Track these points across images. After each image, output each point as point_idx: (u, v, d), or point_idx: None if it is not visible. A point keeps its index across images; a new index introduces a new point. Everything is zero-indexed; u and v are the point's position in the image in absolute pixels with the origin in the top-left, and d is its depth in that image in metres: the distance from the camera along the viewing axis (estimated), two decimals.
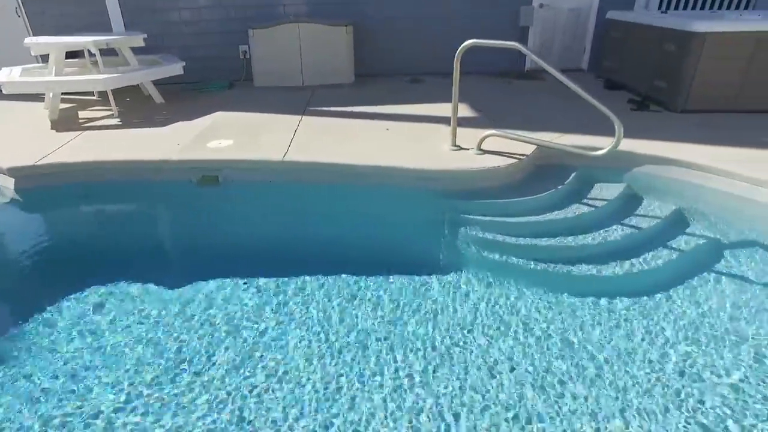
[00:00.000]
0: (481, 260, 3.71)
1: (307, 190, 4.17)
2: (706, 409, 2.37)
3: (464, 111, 5.30)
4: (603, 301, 3.22)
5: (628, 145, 4.22)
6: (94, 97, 6.23)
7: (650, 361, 2.67)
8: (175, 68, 5.74)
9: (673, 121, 4.99)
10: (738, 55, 4.91)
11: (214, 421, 2.26)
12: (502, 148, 4.10)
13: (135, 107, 5.89)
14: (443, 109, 5.39)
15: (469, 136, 4.28)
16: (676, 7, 7.13)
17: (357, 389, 2.46)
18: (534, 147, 4.16)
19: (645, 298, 3.27)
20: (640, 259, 3.56)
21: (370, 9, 6.82)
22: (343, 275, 3.31)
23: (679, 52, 5.07)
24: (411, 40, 7.02)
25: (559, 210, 3.92)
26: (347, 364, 2.62)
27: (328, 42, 6.32)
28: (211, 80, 6.79)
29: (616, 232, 3.69)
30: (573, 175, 4.17)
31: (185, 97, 6.26)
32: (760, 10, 6.60)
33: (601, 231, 3.80)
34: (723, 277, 3.37)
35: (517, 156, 4.02)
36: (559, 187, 4.01)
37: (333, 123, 5.06)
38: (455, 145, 4.14)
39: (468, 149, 4.11)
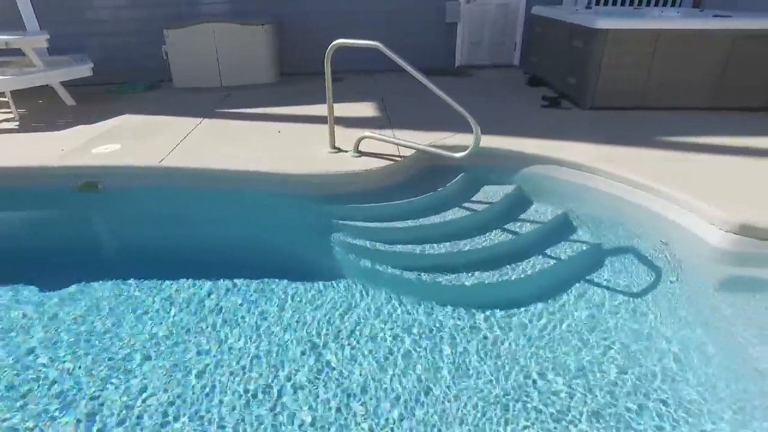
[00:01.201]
0: (348, 267, 3.65)
1: (183, 195, 4.08)
2: None
3: (368, 111, 5.21)
4: (471, 311, 3.16)
5: (520, 144, 4.15)
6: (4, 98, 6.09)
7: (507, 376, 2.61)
8: (82, 70, 5.62)
9: (577, 119, 4.91)
10: (641, 52, 4.84)
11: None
12: (383, 150, 4.01)
13: (44, 110, 5.77)
14: (348, 108, 5.32)
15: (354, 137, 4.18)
16: (606, 3, 7.04)
17: (213, 396, 2.45)
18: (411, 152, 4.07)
19: (517, 309, 3.20)
20: (518, 266, 3.48)
21: (294, 7, 6.71)
22: (211, 281, 3.35)
23: (585, 48, 4.99)
24: (334, 37, 6.87)
25: (437, 214, 3.84)
26: (209, 369, 2.60)
27: (246, 42, 6.21)
28: (132, 82, 6.66)
29: (494, 237, 3.61)
30: (459, 176, 4.09)
31: (101, 100, 6.15)
32: (683, 8, 6.52)
33: (480, 236, 3.73)
34: (595, 287, 3.30)
35: (395, 158, 3.93)
36: (440, 189, 3.93)
37: (232, 125, 4.97)
38: (334, 148, 4.06)
39: (347, 152, 4.02)
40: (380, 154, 3.97)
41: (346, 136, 4.20)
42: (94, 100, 6.07)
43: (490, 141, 4.24)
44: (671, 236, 3.26)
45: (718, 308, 2.84)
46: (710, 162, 3.77)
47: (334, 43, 3.67)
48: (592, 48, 4.85)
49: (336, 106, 5.34)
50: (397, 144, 3.80)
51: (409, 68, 3.34)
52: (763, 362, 2.48)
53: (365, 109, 5.21)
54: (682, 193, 3.21)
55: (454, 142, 4.18)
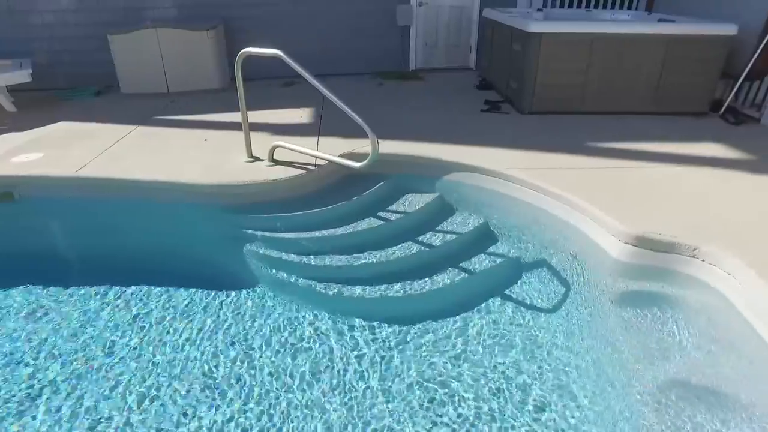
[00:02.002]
0: (257, 277, 3.59)
1: (98, 205, 3.99)
2: None
3: (303, 117, 5.13)
4: (382, 324, 3.13)
5: (446, 150, 4.06)
6: None
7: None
8: (20, 75, 5.53)
9: (513, 124, 4.82)
10: (577, 57, 4.75)
11: None
12: (300, 158, 3.91)
13: None
14: (282, 115, 5.23)
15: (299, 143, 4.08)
16: (563, 5, 6.95)
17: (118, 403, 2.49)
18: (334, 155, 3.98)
19: (424, 322, 3.17)
20: (431, 279, 3.43)
21: (245, 11, 6.62)
22: (122, 290, 3.39)
23: (522, 52, 4.91)
24: (289, 42, 6.80)
25: (353, 223, 3.76)
26: (119, 375, 2.65)
27: (191, 47, 6.12)
28: (82, 87, 6.58)
29: (410, 248, 3.55)
30: (380, 185, 4.00)
31: (44, 106, 6.05)
32: (634, 11, 6.43)
33: (395, 246, 3.66)
34: (505, 300, 3.29)
35: (309, 166, 3.84)
36: (354, 198, 3.84)
37: (163, 133, 4.89)
38: (251, 157, 3.97)
39: (263, 160, 3.93)
40: (296, 162, 3.88)
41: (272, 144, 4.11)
42: (38, 106, 5.98)
43: (415, 147, 4.17)
44: (581, 248, 3.17)
45: (613, 323, 2.75)
46: (631, 170, 3.68)
47: (242, 51, 3.60)
48: (528, 52, 4.76)
49: (271, 112, 5.32)
50: (305, 153, 3.71)
51: (308, 76, 3.28)
52: (643, 378, 2.40)
53: (300, 116, 5.13)
54: (590, 204, 3.12)
55: (382, 148, 4.07)
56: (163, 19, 6.50)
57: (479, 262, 3.52)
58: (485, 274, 3.48)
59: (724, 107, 4.99)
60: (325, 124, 4.86)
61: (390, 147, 4.18)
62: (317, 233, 3.57)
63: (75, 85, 6.60)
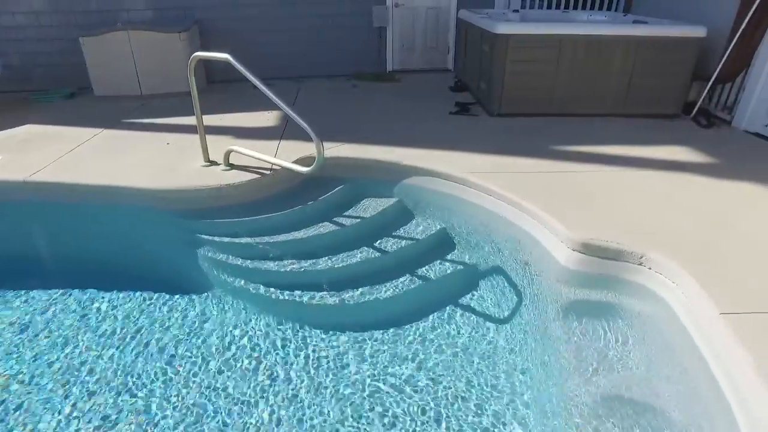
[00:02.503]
0: (210, 282, 3.55)
1: (53, 210, 3.94)
2: None
3: (271, 120, 5.06)
4: (334, 332, 3.08)
5: (407, 154, 4.00)
6: None
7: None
8: None
9: (479, 126, 4.76)
10: (545, 59, 4.68)
11: None
12: (256, 162, 3.84)
13: None
14: (249, 118, 5.17)
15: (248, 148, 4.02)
16: (541, 6, 6.88)
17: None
18: (290, 161, 3.93)
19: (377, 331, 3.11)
20: (384, 285, 3.37)
21: (220, 13, 6.57)
22: (74, 295, 3.35)
23: (491, 54, 4.84)
24: (265, 44, 6.77)
25: (309, 227, 3.70)
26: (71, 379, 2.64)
27: (164, 50, 6.07)
28: (56, 89, 6.53)
29: (365, 253, 3.49)
30: (338, 189, 3.94)
31: (16, 107, 6.00)
32: (611, 12, 6.37)
33: (351, 251, 3.60)
34: (457, 308, 3.23)
35: (264, 171, 3.78)
36: (309, 203, 3.78)
37: (128, 136, 4.83)
38: (208, 161, 3.91)
39: (220, 165, 3.87)
40: (252, 167, 3.82)
41: (253, 146, 4.05)
42: (9, 108, 5.93)
43: (375, 151, 4.11)
44: (533, 255, 3.11)
45: (559, 333, 2.68)
46: (591, 174, 3.62)
47: (193, 56, 3.55)
48: (496, 53, 4.70)
49: (240, 115, 5.25)
50: (256, 158, 3.65)
51: (255, 80, 3.25)
52: (581, 391, 2.34)
53: (267, 118, 5.07)
54: (541, 209, 3.06)
55: (335, 154, 4.03)
56: (137, 21, 6.45)
57: (436, 269, 3.47)
58: (441, 281, 3.43)
59: (695, 109, 4.92)
60: (291, 127, 4.80)
61: (350, 150, 4.12)
62: (271, 238, 3.52)
63: (49, 86, 6.54)
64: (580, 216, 2.96)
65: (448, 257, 3.60)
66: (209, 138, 4.36)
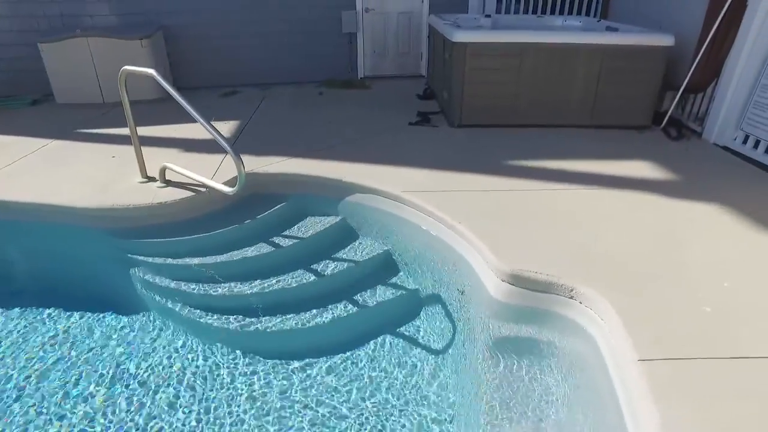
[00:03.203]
0: (141, 305, 3.42)
1: None
2: None
3: (224, 131, 4.88)
4: (262, 359, 3.01)
5: (349, 170, 3.82)
6: None
7: None
8: None
9: (436, 138, 4.58)
10: (507, 67, 4.50)
11: None
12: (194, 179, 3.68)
13: None
14: (201, 129, 4.99)
15: (196, 163, 3.89)
16: (516, 11, 6.69)
17: None
18: (231, 176, 3.77)
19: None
20: (319, 311, 3.24)
21: (187, 19, 6.41)
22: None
23: (451, 62, 4.66)
24: (233, 50, 6.62)
25: (247, 247, 3.54)
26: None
27: (125, 57, 5.86)
28: (19, 96, 6.40)
29: (303, 276, 3.36)
30: (280, 206, 3.78)
31: None
32: (585, 18, 6.16)
33: (290, 273, 3.45)
34: (391, 337, 3.14)
35: (201, 188, 3.62)
36: (247, 222, 3.61)
37: (75, 148, 4.69)
38: (146, 177, 3.75)
39: (158, 181, 3.71)
40: (189, 184, 3.66)
41: (184, 161, 3.91)
42: None
43: (320, 166, 3.94)
44: (468, 283, 2.93)
45: (485, 368, 2.51)
46: (540, 193, 3.44)
47: (122, 69, 3.41)
48: (456, 62, 4.52)
49: (191, 126, 5.05)
50: (185, 175, 3.48)
51: (177, 97, 3.12)
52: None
53: (221, 130, 4.86)
54: (475, 234, 2.88)
55: (278, 169, 3.87)
56: (101, 26, 6.31)
57: (375, 294, 3.32)
58: (379, 308, 3.29)
59: (665, 121, 4.72)
60: (243, 139, 4.64)
61: (295, 165, 3.96)
62: (204, 260, 3.36)
63: (11, 93, 6.41)
64: (517, 242, 2.78)
65: (389, 281, 3.44)
66: (158, 150, 4.23)
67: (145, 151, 4.02)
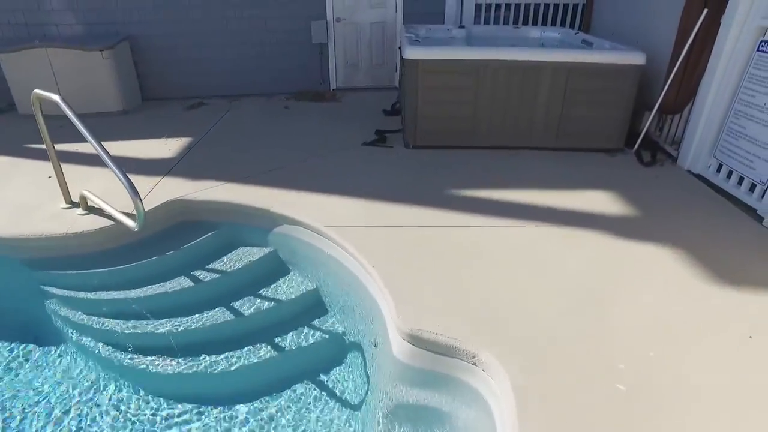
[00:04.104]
0: (52, 340, 3.25)
1: None
2: None
3: (173, 149, 4.69)
4: (172, 402, 2.85)
5: (281, 198, 3.58)
6: None
7: None
8: None
9: (384, 162, 4.31)
10: (464, 86, 4.21)
11: None
12: (118, 205, 3.45)
13: None
14: (152, 147, 4.80)
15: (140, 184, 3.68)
16: (496, 22, 6.37)
17: None
18: (156, 204, 3.56)
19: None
20: (239, 353, 3.02)
21: (154, 29, 6.24)
22: None
23: (406, 79, 4.39)
24: (199, 61, 6.43)
25: (162, 282, 3.33)
26: None
27: (86, 68, 5.77)
28: None
29: (223, 314, 3.14)
30: (209, 235, 3.56)
31: None
32: (563, 29, 5.83)
33: (211, 311, 3.23)
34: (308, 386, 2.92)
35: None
36: (169, 253, 3.40)
37: (17, 164, 4.54)
38: (69, 203, 3.57)
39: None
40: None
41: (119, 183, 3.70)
42: None
43: (255, 193, 3.69)
44: (380, 336, 2.67)
45: None
46: (475, 231, 3.16)
47: (33, 92, 3.25)
48: (410, 80, 4.25)
49: (141, 143, 4.87)
50: (97, 205, 3.28)
51: (80, 126, 2.88)
52: None
53: (169, 148, 4.69)
54: (385, 284, 2.61)
55: (209, 196, 3.65)
56: (67, 36, 6.16)
57: (295, 337, 3.11)
58: (303, 352, 3.03)
59: (637, 144, 4.38)
60: (187, 159, 4.43)
61: (227, 192, 3.74)
62: (122, 293, 3.16)
63: None
64: (427, 292, 2.51)
65: (314, 323, 3.21)
66: (97, 171, 4.02)
67: (84, 170, 3.84)
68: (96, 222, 3.40)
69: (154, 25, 6.26)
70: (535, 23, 6.45)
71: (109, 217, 3.25)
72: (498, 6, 6.39)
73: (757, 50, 3.36)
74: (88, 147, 4.59)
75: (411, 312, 2.35)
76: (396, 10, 6.17)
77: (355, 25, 6.26)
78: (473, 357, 2.17)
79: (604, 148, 4.43)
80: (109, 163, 2.76)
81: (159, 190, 3.82)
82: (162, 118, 5.84)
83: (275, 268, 3.48)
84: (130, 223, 2.91)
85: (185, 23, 6.25)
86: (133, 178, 4.03)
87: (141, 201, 2.72)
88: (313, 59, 6.40)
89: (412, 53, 4.08)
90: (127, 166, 4.28)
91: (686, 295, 2.50)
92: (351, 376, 2.89)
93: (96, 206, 3.40)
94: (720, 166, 3.76)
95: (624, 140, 4.45)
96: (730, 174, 3.65)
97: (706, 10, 3.71)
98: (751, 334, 2.22)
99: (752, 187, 3.43)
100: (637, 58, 4.07)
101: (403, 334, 2.30)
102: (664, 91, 4.07)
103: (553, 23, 6.41)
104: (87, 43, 5.86)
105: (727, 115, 3.67)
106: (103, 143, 4.88)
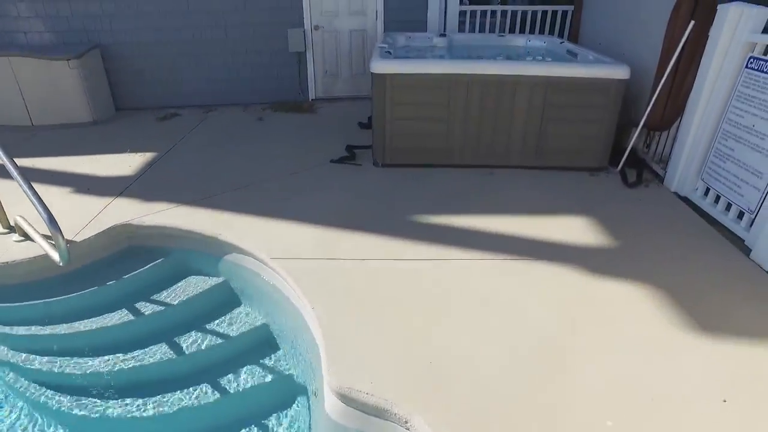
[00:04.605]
0: None
1: None
2: None
3: (133, 166, 4.46)
4: None
5: (234, 223, 3.35)
6: None
7: None
8: None
9: (352, 182, 4.05)
10: (434, 102, 3.95)
11: None
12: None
13: None
14: (111, 163, 4.57)
15: (84, 205, 3.61)
16: (482, 30, 6.11)
17: None
18: (103, 228, 3.33)
19: None
20: (182, 394, 2.77)
21: (127, 37, 6.02)
22: None
23: (376, 95, 4.13)
24: (173, 70, 6.21)
25: (101, 316, 3.10)
26: None
27: (53, 77, 5.57)
28: None
29: (165, 352, 2.90)
30: (157, 263, 3.32)
31: None
32: (549, 37, 5.56)
33: (156, 346, 3.01)
34: None
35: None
36: (110, 283, 3.17)
37: None
38: (7, 227, 3.36)
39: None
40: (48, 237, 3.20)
41: (71, 203, 3.63)
42: None
43: (209, 217, 3.45)
44: (318, 387, 2.41)
45: None
46: (433, 264, 2.90)
47: None
48: (378, 94, 4.00)
49: (104, 158, 4.65)
50: (28, 234, 3.05)
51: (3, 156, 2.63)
52: None
53: (129, 165, 4.46)
54: (321, 332, 2.36)
55: (163, 220, 3.43)
56: (36, 44, 5.97)
57: (249, 376, 2.83)
58: (242, 396, 2.79)
59: (621, 162, 4.10)
60: (148, 177, 4.21)
61: (180, 215, 3.51)
62: (57, 328, 2.95)
63: None
64: (364, 342, 2.27)
65: (264, 362, 2.95)
66: (54, 189, 3.81)
67: (41, 188, 3.60)
68: (31, 250, 3.17)
69: (127, 33, 6.06)
70: (522, 31, 6.19)
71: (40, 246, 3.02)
72: (484, 13, 6.13)
73: (746, 67, 3.09)
74: (31, 163, 4.45)
75: (346, 365, 2.11)
76: (376, 18, 5.93)
77: (334, 33, 6.02)
78: (406, 422, 1.91)
79: (587, 167, 4.16)
80: (28, 192, 2.52)
81: (110, 211, 3.60)
82: (131, 130, 5.63)
83: (225, 300, 3.25)
84: (55, 256, 2.67)
85: (159, 32, 6.04)
86: (84, 197, 3.87)
87: (62, 235, 2.49)
88: (291, 69, 6.17)
89: (380, 67, 3.84)
90: (81, 183, 4.09)
91: (658, 349, 2.24)
92: (297, 425, 2.64)
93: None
94: (707, 190, 3.49)
95: (608, 158, 4.18)
96: (717, 199, 3.38)
97: (693, 22, 3.44)
98: (725, 398, 1.94)
99: (740, 215, 3.15)
100: (620, 72, 3.81)
101: (333, 391, 2.05)
102: (650, 107, 3.80)
103: (541, 31, 6.15)
104: (56, 51, 5.66)
105: (715, 135, 3.40)
106: (62, 157, 4.72)
